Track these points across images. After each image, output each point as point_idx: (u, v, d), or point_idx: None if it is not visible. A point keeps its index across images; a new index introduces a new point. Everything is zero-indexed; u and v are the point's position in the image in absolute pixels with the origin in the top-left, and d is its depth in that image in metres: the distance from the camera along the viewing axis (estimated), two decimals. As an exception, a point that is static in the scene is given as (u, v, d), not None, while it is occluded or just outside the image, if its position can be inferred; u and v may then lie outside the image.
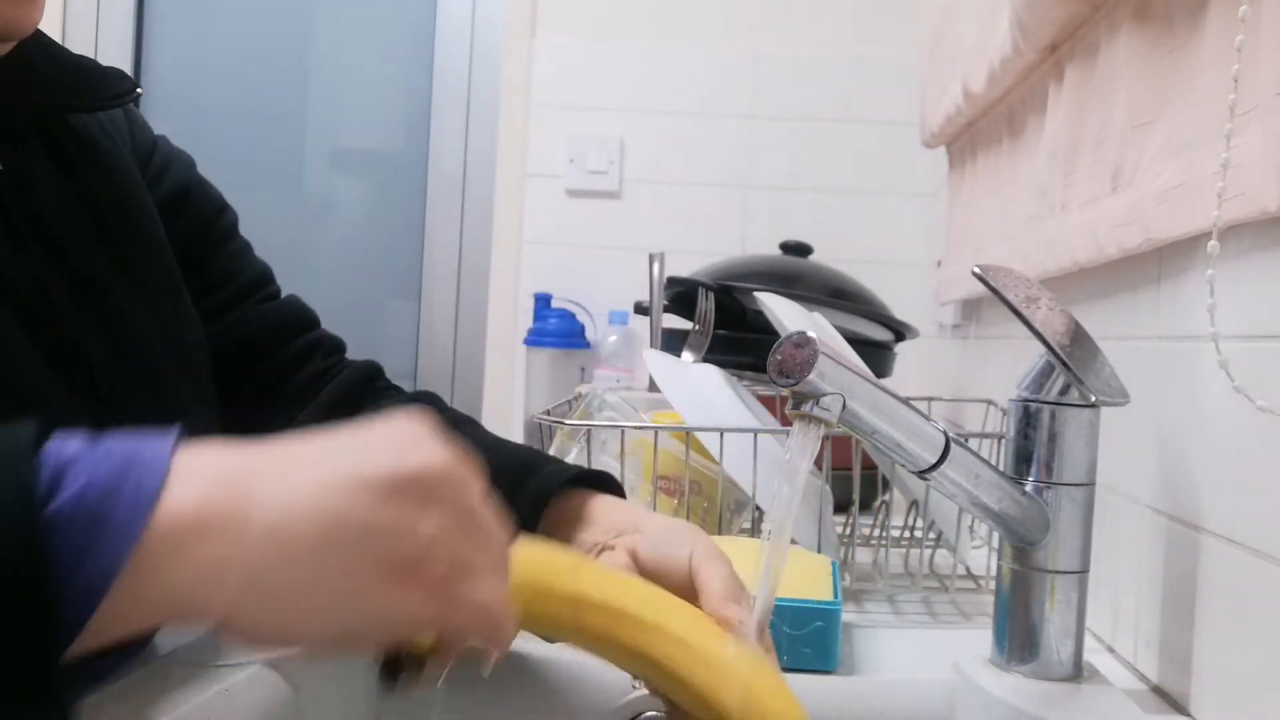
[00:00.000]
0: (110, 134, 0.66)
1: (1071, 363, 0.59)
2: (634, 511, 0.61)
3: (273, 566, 0.33)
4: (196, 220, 0.70)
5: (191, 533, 0.32)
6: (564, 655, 0.68)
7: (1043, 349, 0.60)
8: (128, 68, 2.12)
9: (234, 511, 0.33)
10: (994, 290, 0.60)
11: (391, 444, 0.36)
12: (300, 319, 0.73)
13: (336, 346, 0.75)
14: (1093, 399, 0.60)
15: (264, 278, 0.74)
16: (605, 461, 0.87)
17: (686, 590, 0.53)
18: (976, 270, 0.60)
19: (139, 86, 0.64)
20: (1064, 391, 0.60)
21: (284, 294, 0.76)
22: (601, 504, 0.61)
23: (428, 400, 0.71)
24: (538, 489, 0.61)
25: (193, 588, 0.32)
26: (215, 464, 0.34)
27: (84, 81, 0.62)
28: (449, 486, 0.36)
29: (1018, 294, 0.60)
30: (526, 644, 0.69)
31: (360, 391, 0.70)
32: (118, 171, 0.64)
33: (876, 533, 0.89)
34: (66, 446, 0.33)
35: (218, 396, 0.67)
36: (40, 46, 0.60)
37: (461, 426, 0.68)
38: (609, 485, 0.64)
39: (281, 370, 0.70)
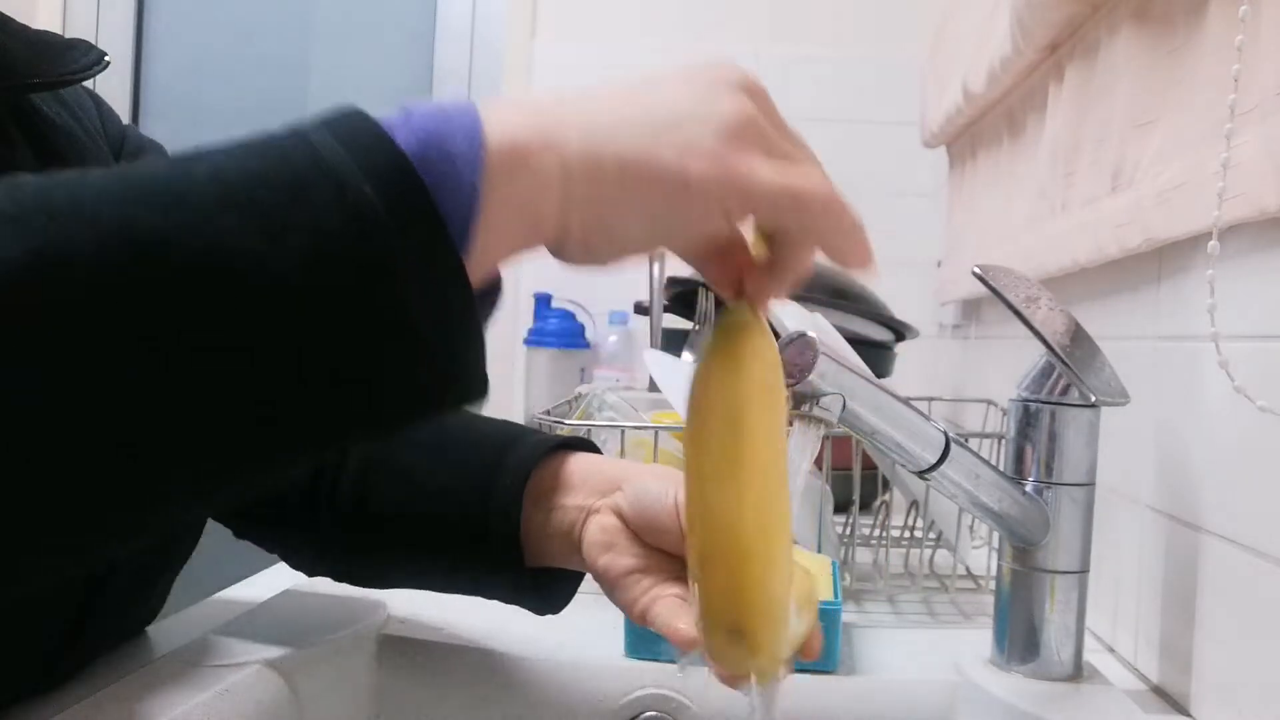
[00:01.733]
0: (80, 119, 0.65)
1: (1071, 363, 0.59)
2: (615, 468, 0.60)
3: (596, 165, 0.36)
4: None
5: (521, 156, 0.35)
6: (564, 655, 0.68)
7: (1043, 349, 0.60)
8: (128, 68, 2.12)
9: (551, 132, 0.36)
10: (994, 290, 0.60)
11: (699, 61, 0.39)
12: None
13: None
14: (1093, 399, 0.60)
15: None
16: (605, 461, 0.87)
17: (678, 534, 0.53)
18: (976, 270, 0.60)
19: (106, 55, 0.62)
20: (1064, 391, 0.60)
21: None
22: (580, 465, 0.60)
23: None
24: (519, 463, 0.60)
25: (532, 202, 0.36)
26: (518, 106, 0.37)
27: (49, 56, 0.60)
28: (761, 91, 0.39)
29: (1018, 294, 0.60)
30: (526, 644, 0.69)
31: None
32: (90, 152, 0.63)
33: (876, 533, 0.89)
34: (382, 117, 0.35)
35: None
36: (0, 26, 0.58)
37: None
38: (586, 447, 0.64)
39: None
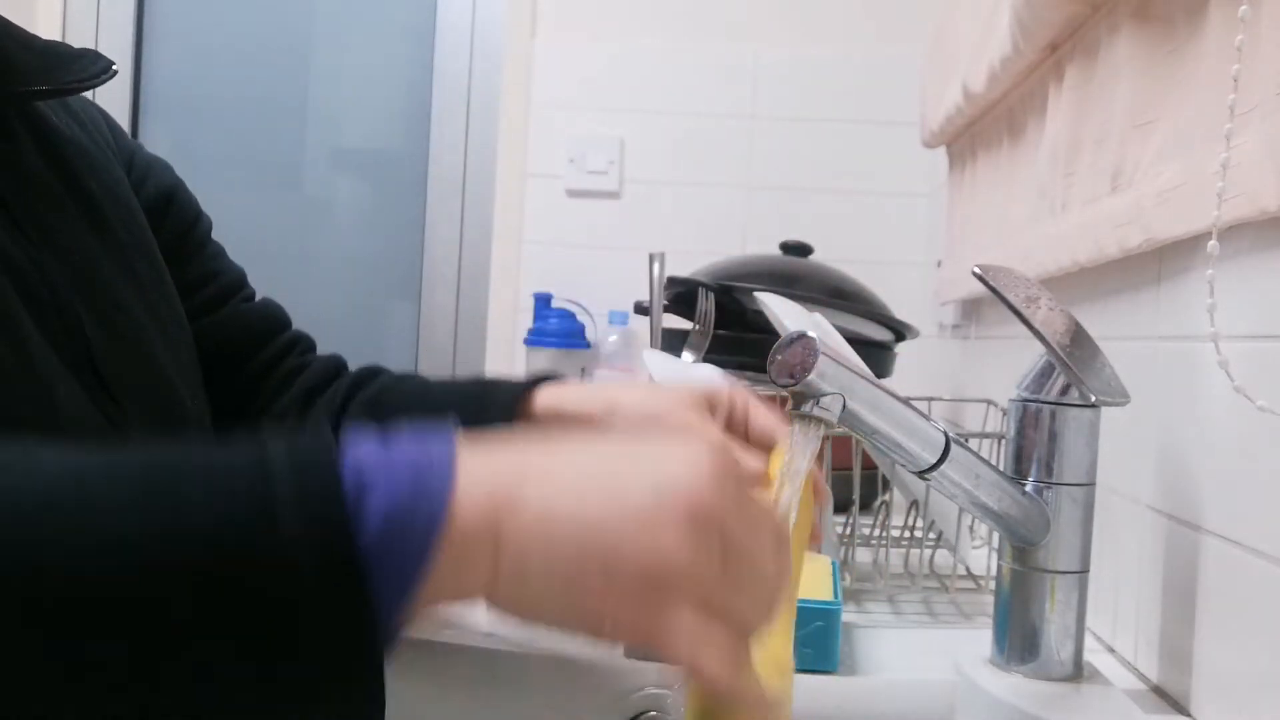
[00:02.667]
0: (90, 131, 0.66)
1: (1072, 363, 0.59)
2: (599, 404, 0.62)
3: (528, 568, 0.36)
4: (180, 222, 0.71)
5: (469, 545, 0.35)
6: (565, 655, 0.68)
7: (1043, 349, 0.60)
8: (127, 68, 2.12)
9: (502, 522, 0.36)
10: (994, 290, 0.60)
11: (660, 465, 0.37)
12: (278, 320, 0.76)
13: (310, 345, 0.78)
14: (1093, 399, 0.60)
15: (241, 280, 0.76)
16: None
17: None
18: (976, 270, 0.60)
19: (114, 64, 0.63)
20: (1064, 391, 0.60)
21: (267, 295, 0.78)
22: (569, 396, 0.63)
23: (372, 371, 0.73)
24: (503, 408, 0.63)
25: (467, 583, 0.36)
26: (491, 476, 0.36)
27: (57, 65, 0.60)
28: (717, 522, 0.36)
29: (1018, 294, 0.60)
30: (527, 644, 0.69)
31: (331, 377, 0.74)
32: (99, 163, 0.64)
33: (876, 533, 0.89)
34: (361, 459, 0.35)
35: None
36: (6, 33, 0.59)
37: (406, 380, 0.71)
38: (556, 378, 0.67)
39: (264, 367, 0.72)
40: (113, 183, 0.64)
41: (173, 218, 0.70)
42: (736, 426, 0.61)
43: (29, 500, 0.32)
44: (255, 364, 0.72)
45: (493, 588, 0.36)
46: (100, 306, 0.58)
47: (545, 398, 0.63)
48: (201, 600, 0.32)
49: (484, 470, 0.36)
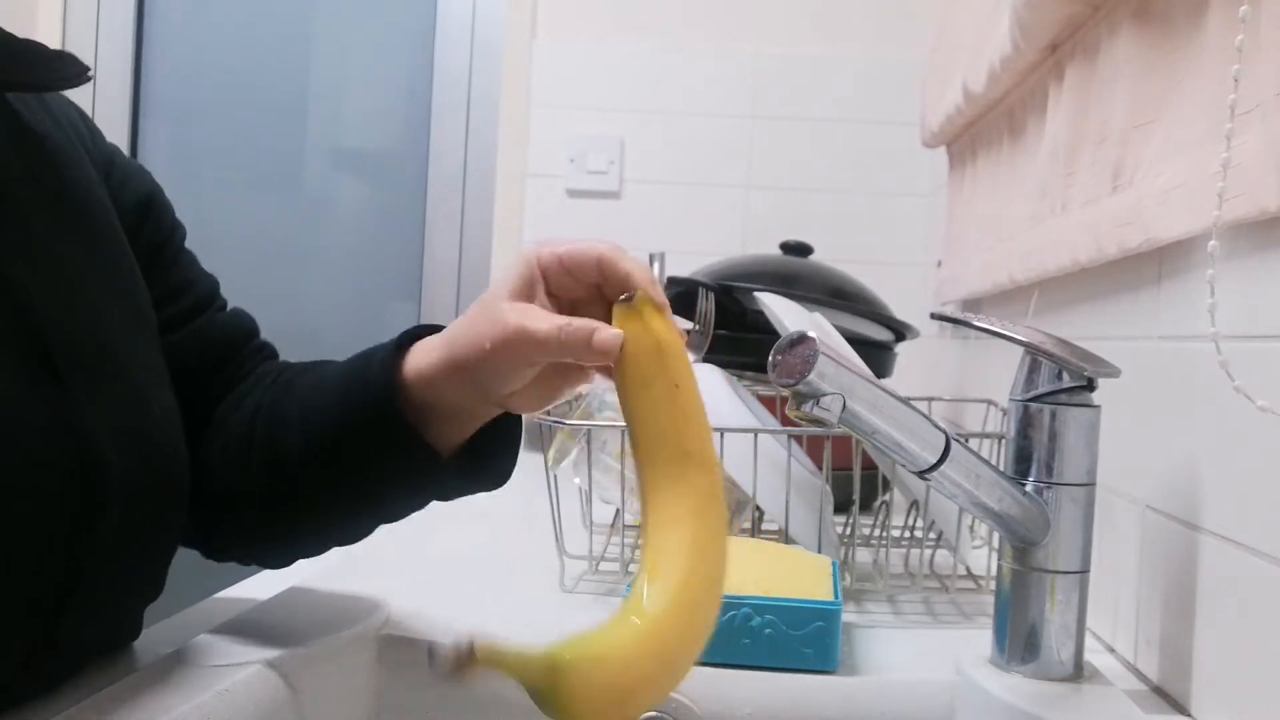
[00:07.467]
0: (65, 130, 0.65)
1: (1057, 350, 0.59)
2: (440, 352, 0.64)
3: None
4: (159, 228, 0.70)
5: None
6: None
7: (1023, 351, 0.60)
8: (128, 68, 2.11)
9: None
10: (964, 324, 0.60)
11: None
12: (249, 328, 0.76)
13: (274, 353, 0.77)
14: (1086, 370, 0.60)
15: (216, 288, 0.75)
16: (605, 461, 0.87)
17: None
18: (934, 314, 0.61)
19: (90, 70, 0.62)
20: (1058, 377, 0.60)
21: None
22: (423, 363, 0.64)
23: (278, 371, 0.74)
24: (384, 359, 0.64)
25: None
26: None
27: (31, 63, 0.60)
28: None
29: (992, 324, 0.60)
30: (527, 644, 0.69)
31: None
32: (73, 162, 0.63)
33: (876, 533, 0.89)
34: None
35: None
36: None
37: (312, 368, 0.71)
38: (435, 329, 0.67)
39: (234, 376, 0.71)
40: (81, 173, 0.64)
41: (151, 223, 0.69)
42: (555, 280, 0.63)
43: None
44: (225, 373, 0.71)
45: None
46: (62, 298, 0.57)
47: (411, 364, 0.64)
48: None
49: None
